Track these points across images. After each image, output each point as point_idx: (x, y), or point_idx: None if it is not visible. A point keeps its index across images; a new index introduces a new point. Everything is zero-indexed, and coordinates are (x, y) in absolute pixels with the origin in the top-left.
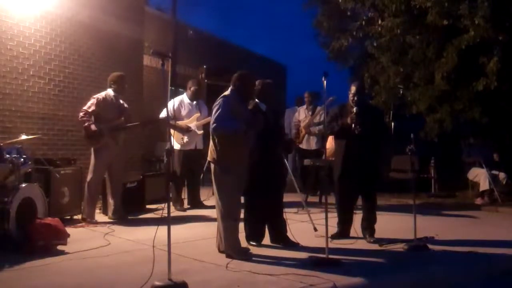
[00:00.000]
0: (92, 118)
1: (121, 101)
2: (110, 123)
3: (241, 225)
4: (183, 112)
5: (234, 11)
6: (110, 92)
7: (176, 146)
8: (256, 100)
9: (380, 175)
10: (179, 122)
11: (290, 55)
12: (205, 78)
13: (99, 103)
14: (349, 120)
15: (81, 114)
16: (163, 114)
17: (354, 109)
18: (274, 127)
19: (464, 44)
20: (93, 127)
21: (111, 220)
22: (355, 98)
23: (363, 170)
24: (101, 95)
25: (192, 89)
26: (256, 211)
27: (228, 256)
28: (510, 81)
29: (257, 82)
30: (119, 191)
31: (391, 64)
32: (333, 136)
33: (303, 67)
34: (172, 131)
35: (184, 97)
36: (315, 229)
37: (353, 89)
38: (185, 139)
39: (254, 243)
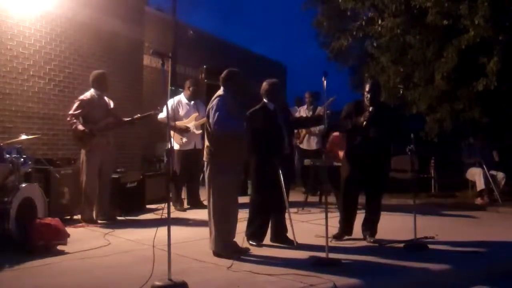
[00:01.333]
0: (80, 120)
1: (107, 99)
2: (99, 123)
3: (240, 225)
4: (181, 112)
5: (234, 11)
6: (93, 92)
7: (175, 146)
8: (264, 100)
9: (387, 176)
10: (178, 123)
11: (290, 55)
12: (205, 78)
13: (83, 104)
14: (362, 119)
15: (68, 118)
16: (162, 114)
17: (370, 109)
18: (283, 125)
19: (464, 44)
20: (80, 127)
21: (101, 221)
22: (369, 96)
23: (372, 170)
24: (86, 96)
25: (190, 89)
26: (263, 211)
27: (217, 255)
28: (510, 81)
29: (264, 83)
30: (108, 192)
31: (391, 64)
32: (342, 134)
33: (303, 67)
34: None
35: (182, 97)
36: (296, 243)
37: (367, 87)
38: (184, 139)
39: (254, 243)
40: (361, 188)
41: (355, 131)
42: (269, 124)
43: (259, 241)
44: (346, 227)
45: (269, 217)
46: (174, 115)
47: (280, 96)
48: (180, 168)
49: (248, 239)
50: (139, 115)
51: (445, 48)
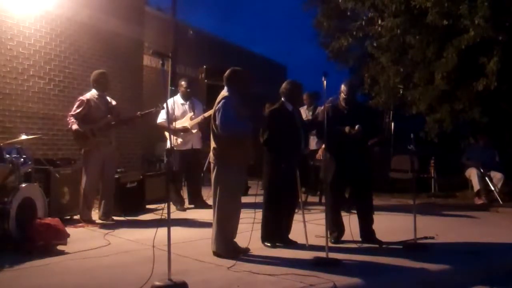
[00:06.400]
0: (79, 119)
1: (109, 99)
2: (99, 122)
3: (242, 226)
4: (177, 112)
5: (234, 11)
6: (94, 92)
7: None
8: (283, 99)
9: (371, 177)
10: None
11: (290, 55)
12: (205, 78)
13: (83, 104)
14: (347, 130)
15: (67, 118)
16: (160, 118)
17: (356, 127)
18: (301, 127)
19: (464, 44)
20: (74, 126)
21: (101, 221)
22: (346, 98)
23: (357, 173)
24: (85, 96)
25: (182, 89)
26: (279, 211)
27: (217, 255)
28: (510, 81)
29: (286, 82)
30: (112, 192)
31: (391, 64)
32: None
33: (303, 67)
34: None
35: (177, 98)
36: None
37: (345, 89)
38: (179, 139)
39: (269, 244)
40: (347, 184)
41: (340, 137)
42: (287, 124)
43: (274, 242)
44: (341, 231)
45: (282, 217)
46: (173, 116)
47: (300, 99)
48: (179, 168)
49: (263, 241)
50: (139, 113)
51: (445, 48)
